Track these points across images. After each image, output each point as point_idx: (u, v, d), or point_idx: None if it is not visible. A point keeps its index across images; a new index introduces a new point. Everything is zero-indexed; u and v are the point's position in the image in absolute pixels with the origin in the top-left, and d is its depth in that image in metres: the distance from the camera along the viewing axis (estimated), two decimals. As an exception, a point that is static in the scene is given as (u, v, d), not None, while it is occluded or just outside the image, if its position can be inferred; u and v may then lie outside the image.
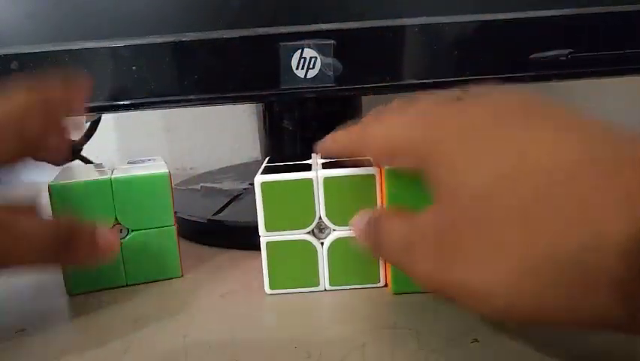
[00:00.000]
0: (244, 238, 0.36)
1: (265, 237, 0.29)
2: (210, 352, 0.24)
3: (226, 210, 0.41)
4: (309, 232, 0.29)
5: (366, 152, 0.27)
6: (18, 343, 0.27)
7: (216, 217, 0.39)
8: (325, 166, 0.29)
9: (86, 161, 0.54)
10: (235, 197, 0.43)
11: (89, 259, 0.27)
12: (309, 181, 0.28)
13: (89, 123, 0.50)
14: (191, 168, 0.66)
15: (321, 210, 0.29)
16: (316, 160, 0.31)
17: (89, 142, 0.52)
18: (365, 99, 0.46)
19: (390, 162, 0.26)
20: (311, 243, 0.29)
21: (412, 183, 0.25)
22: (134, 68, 0.36)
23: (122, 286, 0.32)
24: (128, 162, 0.35)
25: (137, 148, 0.67)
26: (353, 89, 0.37)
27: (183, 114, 0.66)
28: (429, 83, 0.36)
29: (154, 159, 0.35)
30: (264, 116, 0.47)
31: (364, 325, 0.26)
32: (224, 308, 0.29)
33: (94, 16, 0.36)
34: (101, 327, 0.28)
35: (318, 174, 0.28)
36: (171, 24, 0.36)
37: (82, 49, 0.36)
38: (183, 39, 0.36)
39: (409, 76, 0.37)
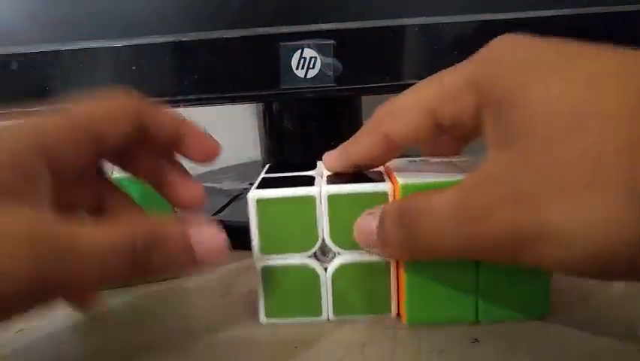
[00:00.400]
0: (244, 239, 0.35)
1: (261, 261, 0.26)
2: (205, 347, 0.25)
3: (226, 210, 0.41)
4: (310, 256, 0.26)
5: (409, 119, 0.23)
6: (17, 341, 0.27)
7: (216, 217, 0.39)
8: (331, 180, 0.26)
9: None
10: (235, 197, 0.43)
11: (183, 270, 0.22)
12: (312, 198, 0.25)
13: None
14: (190, 168, 0.66)
15: (324, 231, 0.25)
16: (321, 171, 0.28)
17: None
18: (365, 99, 0.46)
19: (442, 114, 0.23)
20: (313, 268, 0.26)
21: None
22: (134, 68, 0.36)
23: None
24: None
25: (137, 148, 0.67)
26: (353, 89, 0.37)
27: (183, 114, 0.66)
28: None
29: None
30: (264, 116, 0.47)
31: (364, 325, 0.26)
32: (222, 308, 0.29)
33: (94, 16, 0.36)
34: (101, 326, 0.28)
35: (322, 190, 0.25)
36: (171, 24, 0.36)
37: (82, 49, 0.36)
38: (183, 39, 0.36)
39: (409, 76, 0.37)
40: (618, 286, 0.27)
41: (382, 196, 0.24)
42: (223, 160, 0.65)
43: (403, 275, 0.25)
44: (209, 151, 0.27)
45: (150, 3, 0.36)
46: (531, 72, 0.19)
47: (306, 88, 0.36)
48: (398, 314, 0.26)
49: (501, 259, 0.20)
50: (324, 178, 0.26)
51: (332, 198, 0.25)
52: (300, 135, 0.44)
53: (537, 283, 0.24)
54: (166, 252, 0.21)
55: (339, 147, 0.26)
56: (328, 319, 0.26)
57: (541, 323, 0.25)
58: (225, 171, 0.53)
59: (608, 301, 0.26)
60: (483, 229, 0.19)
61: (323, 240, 0.25)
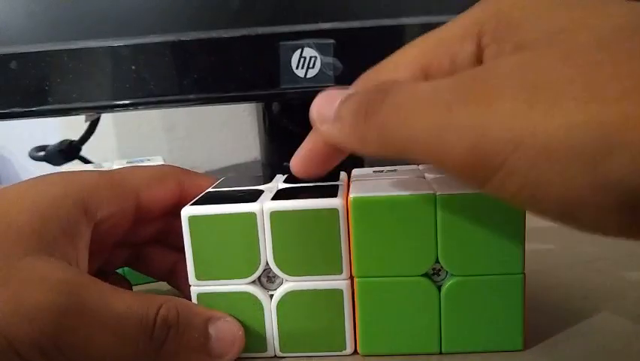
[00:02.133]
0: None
1: (196, 287, 0.23)
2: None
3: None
4: (252, 282, 0.23)
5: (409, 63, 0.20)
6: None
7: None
8: (277, 195, 0.23)
9: (86, 161, 0.54)
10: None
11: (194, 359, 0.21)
12: (251, 216, 0.22)
13: (88, 123, 0.50)
14: (190, 168, 0.66)
15: (267, 254, 0.22)
16: (278, 183, 0.25)
17: (88, 142, 0.52)
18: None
19: (438, 65, 0.20)
20: (255, 296, 0.23)
21: (385, 218, 0.21)
22: (133, 67, 0.36)
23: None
24: (128, 162, 0.35)
25: (137, 148, 0.67)
26: (353, 89, 0.37)
27: (183, 114, 0.66)
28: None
29: (154, 159, 0.35)
30: (264, 116, 0.47)
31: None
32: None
33: (93, 15, 0.36)
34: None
35: (263, 206, 0.22)
36: (171, 23, 0.36)
37: (81, 48, 0.35)
38: (183, 38, 0.35)
39: (410, 76, 0.37)
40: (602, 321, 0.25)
41: (332, 213, 0.21)
42: (223, 160, 0.65)
43: (357, 301, 0.22)
44: None
45: (150, 2, 0.36)
46: (534, 2, 0.17)
47: (306, 88, 0.36)
48: (355, 351, 0.23)
49: (463, 169, 0.16)
50: (274, 190, 0.24)
51: (275, 216, 0.22)
52: (300, 135, 0.44)
53: (508, 312, 0.22)
54: (183, 336, 0.21)
55: (312, 132, 0.22)
56: (275, 355, 0.23)
57: (511, 356, 0.22)
58: (225, 171, 0.53)
59: (587, 336, 0.24)
60: (491, 118, 0.15)
61: (267, 264, 0.22)
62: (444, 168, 0.16)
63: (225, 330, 0.22)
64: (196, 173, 0.27)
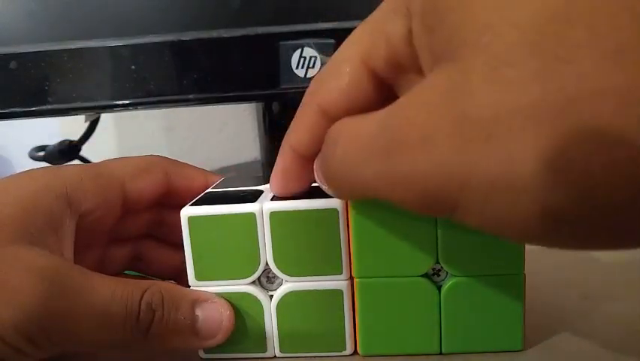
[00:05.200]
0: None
1: (196, 287, 0.23)
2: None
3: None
4: (252, 283, 0.23)
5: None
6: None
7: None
8: (277, 196, 0.23)
9: (86, 161, 0.54)
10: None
11: (182, 342, 0.21)
12: (251, 216, 0.22)
13: (88, 123, 0.50)
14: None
15: (267, 254, 0.22)
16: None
17: (88, 142, 0.52)
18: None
19: (376, 55, 0.18)
20: (255, 297, 0.23)
21: (384, 219, 0.21)
22: (133, 67, 0.36)
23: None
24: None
25: (137, 148, 0.67)
26: (353, 89, 0.37)
27: (183, 114, 0.66)
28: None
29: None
30: (264, 116, 0.47)
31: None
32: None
33: (93, 15, 0.36)
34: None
35: (263, 207, 0.22)
36: (170, 23, 0.36)
37: (81, 48, 0.35)
38: (182, 38, 0.35)
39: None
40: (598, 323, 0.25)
41: (332, 213, 0.21)
42: (223, 160, 0.65)
43: (357, 301, 0.22)
44: None
45: (149, 2, 0.36)
46: None
47: (306, 87, 0.36)
48: (355, 352, 0.23)
49: (417, 206, 0.15)
50: (272, 193, 0.23)
51: (275, 216, 0.22)
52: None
53: (508, 312, 0.22)
54: (169, 319, 0.21)
55: (281, 147, 0.21)
56: (275, 356, 0.23)
57: (511, 356, 0.22)
58: (225, 171, 0.53)
59: (588, 336, 0.24)
60: (399, 168, 0.15)
61: (266, 264, 0.22)
62: (406, 208, 0.16)
63: (213, 311, 0.22)
64: (183, 163, 0.27)
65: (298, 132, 0.20)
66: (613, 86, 0.12)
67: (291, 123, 0.21)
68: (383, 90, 0.18)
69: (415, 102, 0.15)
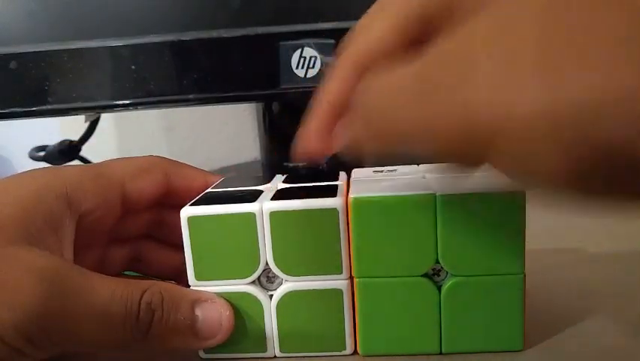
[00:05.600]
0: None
1: (196, 287, 0.23)
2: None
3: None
4: (252, 283, 0.23)
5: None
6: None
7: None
8: (277, 195, 0.23)
9: (86, 161, 0.54)
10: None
11: (182, 342, 0.21)
12: (251, 216, 0.22)
13: (88, 123, 0.50)
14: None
15: (267, 254, 0.22)
16: (277, 183, 0.25)
17: (88, 142, 0.52)
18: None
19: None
20: (255, 297, 0.23)
21: (385, 218, 0.21)
22: (133, 67, 0.36)
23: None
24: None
25: (137, 148, 0.67)
26: (353, 89, 0.37)
27: (183, 114, 0.66)
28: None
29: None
30: (264, 116, 0.47)
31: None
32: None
33: (93, 15, 0.36)
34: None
35: (262, 206, 0.22)
36: (170, 23, 0.36)
37: (81, 48, 0.35)
38: (182, 38, 0.35)
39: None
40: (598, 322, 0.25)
41: (332, 213, 0.21)
42: (223, 160, 0.65)
43: (357, 301, 0.22)
44: None
45: (149, 2, 0.36)
46: None
47: (306, 87, 0.36)
48: (355, 351, 0.23)
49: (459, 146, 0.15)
50: (273, 190, 0.24)
51: (274, 216, 0.22)
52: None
53: (508, 312, 0.22)
54: (169, 319, 0.21)
55: (315, 104, 0.22)
56: (275, 356, 0.23)
57: (511, 356, 0.22)
58: (225, 171, 0.53)
59: (588, 336, 0.24)
60: (437, 107, 0.15)
61: (266, 264, 0.22)
62: (439, 153, 0.16)
63: (213, 311, 0.22)
64: (183, 163, 0.27)
65: (335, 85, 0.20)
66: None
67: (327, 80, 0.21)
68: (416, 30, 0.19)
69: (453, 44, 0.15)
